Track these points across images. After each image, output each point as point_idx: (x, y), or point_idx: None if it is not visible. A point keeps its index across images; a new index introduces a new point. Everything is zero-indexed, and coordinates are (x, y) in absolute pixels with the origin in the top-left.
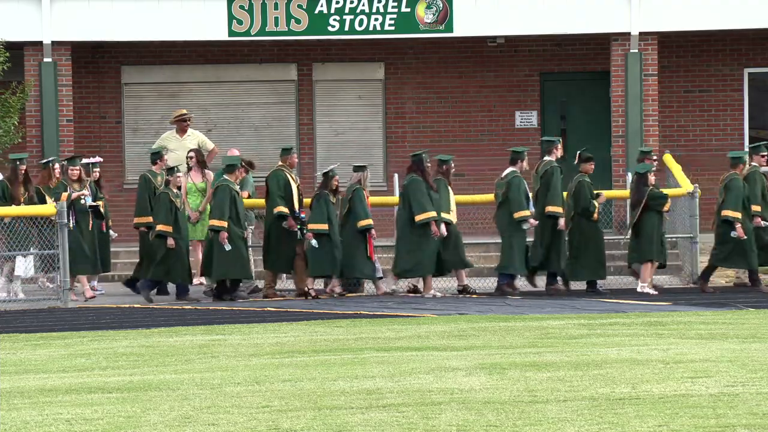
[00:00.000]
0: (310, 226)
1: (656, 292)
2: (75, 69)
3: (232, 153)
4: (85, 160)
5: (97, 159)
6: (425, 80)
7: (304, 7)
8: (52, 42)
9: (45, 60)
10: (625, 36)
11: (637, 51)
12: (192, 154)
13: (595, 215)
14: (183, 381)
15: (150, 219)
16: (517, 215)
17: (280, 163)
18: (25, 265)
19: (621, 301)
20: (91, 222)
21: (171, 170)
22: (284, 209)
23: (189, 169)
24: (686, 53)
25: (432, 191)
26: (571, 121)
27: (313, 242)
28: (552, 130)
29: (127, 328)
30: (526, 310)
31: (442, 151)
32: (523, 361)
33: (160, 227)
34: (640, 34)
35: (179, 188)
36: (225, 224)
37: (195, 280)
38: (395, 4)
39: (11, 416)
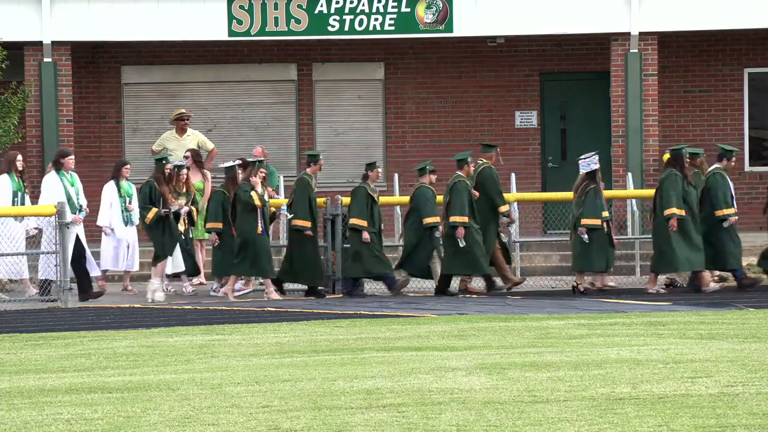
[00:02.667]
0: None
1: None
2: (75, 69)
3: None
4: (177, 163)
5: (185, 162)
6: (425, 80)
7: (304, 7)
8: (52, 42)
9: (45, 60)
10: (625, 36)
11: (637, 51)
12: (188, 153)
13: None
14: (183, 381)
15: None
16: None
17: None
18: (173, 263)
19: (621, 301)
20: (185, 225)
21: (180, 167)
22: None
23: (187, 169)
24: (686, 53)
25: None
26: (571, 121)
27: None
28: (552, 130)
29: (127, 328)
30: (526, 310)
31: (442, 152)
32: (523, 361)
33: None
34: (640, 34)
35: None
36: (365, 223)
37: (195, 280)
38: (395, 4)
39: (11, 416)
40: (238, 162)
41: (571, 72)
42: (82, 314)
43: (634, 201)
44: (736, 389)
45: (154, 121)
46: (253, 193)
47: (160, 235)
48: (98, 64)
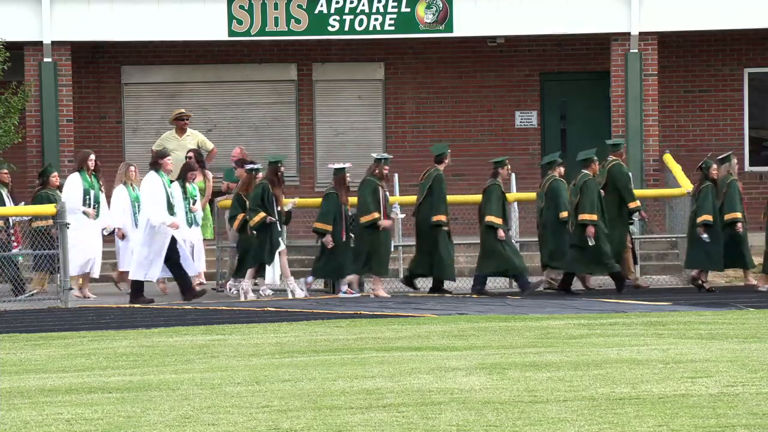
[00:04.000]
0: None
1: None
2: (75, 69)
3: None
4: (248, 166)
5: (258, 165)
6: (425, 80)
7: (304, 7)
8: (52, 42)
9: (45, 60)
10: (625, 36)
11: (637, 51)
12: (190, 154)
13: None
14: (183, 381)
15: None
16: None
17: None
18: (273, 274)
19: (621, 301)
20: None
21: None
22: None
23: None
24: (686, 53)
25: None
26: (571, 121)
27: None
28: (552, 130)
29: (127, 328)
30: (526, 310)
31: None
32: (523, 361)
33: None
34: (640, 34)
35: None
36: (500, 221)
37: (196, 280)
38: (395, 4)
39: (11, 416)
40: (348, 165)
41: (571, 72)
42: (82, 314)
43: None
44: (736, 389)
45: (154, 121)
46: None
47: (265, 240)
48: (98, 64)
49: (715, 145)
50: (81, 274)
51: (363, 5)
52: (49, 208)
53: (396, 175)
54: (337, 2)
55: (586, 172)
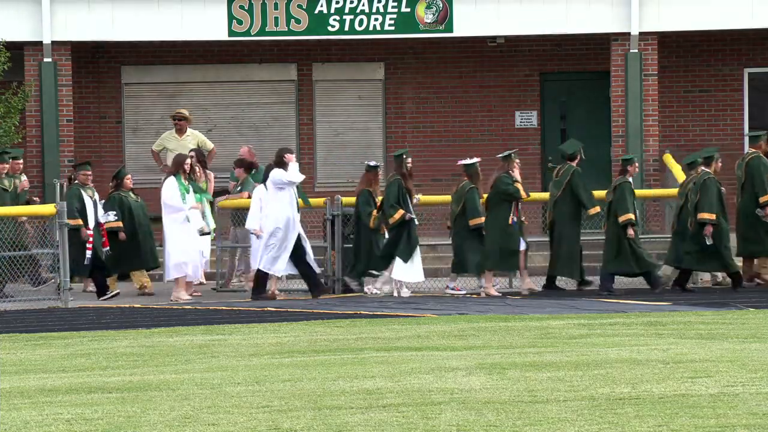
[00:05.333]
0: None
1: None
2: (75, 69)
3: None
4: (370, 163)
5: (376, 162)
6: (425, 80)
7: (304, 7)
8: (52, 42)
9: (45, 60)
10: (625, 36)
11: (637, 51)
12: (192, 154)
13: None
14: (183, 381)
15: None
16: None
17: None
18: (412, 272)
19: (621, 301)
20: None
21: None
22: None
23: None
24: (686, 53)
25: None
26: (571, 121)
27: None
28: (552, 130)
29: (127, 328)
30: (526, 310)
31: (442, 151)
32: (523, 361)
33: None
34: (640, 34)
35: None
36: (633, 216)
37: (195, 280)
38: (395, 4)
39: (11, 416)
40: (477, 160)
41: (571, 72)
42: (82, 314)
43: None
44: (736, 389)
45: (154, 121)
46: (517, 185)
47: (403, 237)
48: (98, 64)
49: (715, 145)
50: (178, 276)
51: (363, 5)
52: (48, 208)
53: None
54: (337, 2)
55: (706, 170)
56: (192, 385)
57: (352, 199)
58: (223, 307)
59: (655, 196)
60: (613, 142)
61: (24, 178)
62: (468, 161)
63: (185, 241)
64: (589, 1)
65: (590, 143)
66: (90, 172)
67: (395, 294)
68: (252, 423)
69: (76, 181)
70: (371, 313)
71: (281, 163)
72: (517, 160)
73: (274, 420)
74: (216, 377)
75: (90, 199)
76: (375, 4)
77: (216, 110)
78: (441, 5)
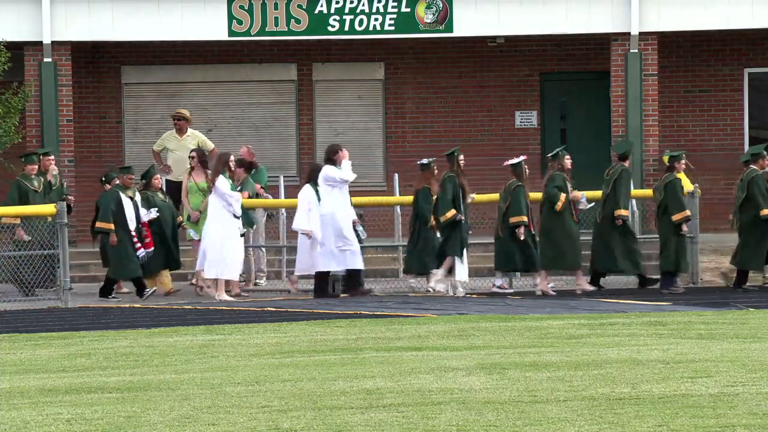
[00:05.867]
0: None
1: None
2: (75, 69)
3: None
4: (423, 161)
5: (430, 159)
6: (425, 80)
7: (304, 7)
8: (52, 42)
9: (45, 60)
10: (625, 36)
11: (637, 51)
12: (193, 154)
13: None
14: (183, 381)
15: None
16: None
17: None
18: (463, 269)
19: (621, 301)
20: None
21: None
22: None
23: (191, 169)
24: (686, 53)
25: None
26: (571, 121)
27: None
28: (552, 130)
29: (127, 328)
30: (526, 310)
31: (443, 151)
32: (523, 361)
33: None
34: (640, 34)
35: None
36: (689, 213)
37: (193, 279)
38: (395, 4)
39: (11, 416)
40: (523, 158)
41: (571, 72)
42: (82, 314)
43: (634, 201)
44: (736, 389)
45: (154, 121)
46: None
47: (456, 235)
48: (98, 64)
49: (715, 145)
50: (221, 277)
51: (363, 5)
52: (48, 208)
53: (396, 175)
54: (337, 2)
55: (754, 167)
56: (192, 385)
57: (355, 199)
58: (223, 307)
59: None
60: (613, 142)
61: (53, 168)
62: (514, 161)
63: (228, 241)
64: (589, 2)
65: (590, 143)
66: (133, 176)
67: (450, 293)
68: (252, 423)
69: (117, 183)
70: (371, 313)
71: (332, 160)
72: (568, 156)
73: (274, 420)
74: (216, 377)
75: (130, 201)
76: (375, 4)
77: (216, 110)
78: (441, 5)
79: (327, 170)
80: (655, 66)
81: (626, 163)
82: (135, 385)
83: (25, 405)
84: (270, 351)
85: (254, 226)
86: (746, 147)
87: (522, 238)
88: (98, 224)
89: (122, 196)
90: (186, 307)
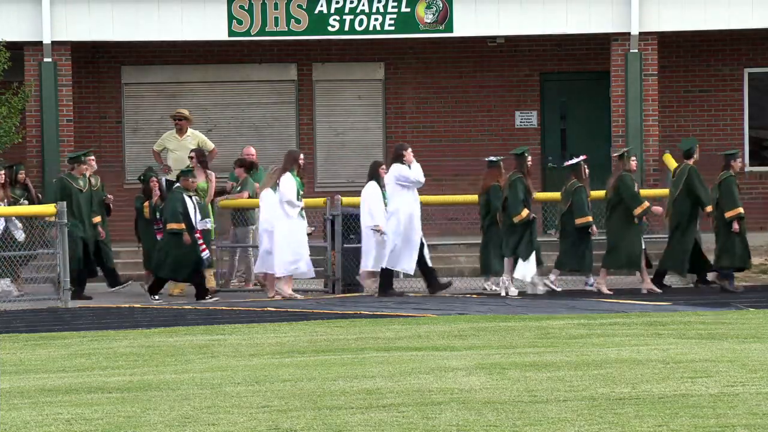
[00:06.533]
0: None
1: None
2: (75, 69)
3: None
4: (491, 159)
5: (497, 158)
6: (425, 80)
7: (304, 7)
8: (52, 42)
9: (45, 60)
10: (625, 36)
11: (637, 51)
12: (193, 154)
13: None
14: (183, 381)
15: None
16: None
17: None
18: (524, 269)
19: (621, 301)
20: None
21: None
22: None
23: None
24: (686, 53)
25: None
26: (571, 121)
27: None
28: (552, 130)
29: (127, 328)
30: (526, 310)
31: (442, 152)
32: (523, 361)
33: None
34: (640, 34)
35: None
36: (741, 210)
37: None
38: (395, 4)
39: (11, 416)
40: (583, 158)
41: (571, 72)
42: (82, 314)
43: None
44: (736, 389)
45: (154, 121)
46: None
47: (527, 236)
48: (98, 64)
49: (715, 145)
50: (289, 274)
51: (363, 5)
52: (48, 208)
53: None
54: (337, 2)
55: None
56: (192, 385)
57: (352, 200)
58: (223, 307)
59: (655, 196)
60: (613, 142)
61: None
62: (573, 161)
63: (297, 238)
64: (589, 2)
65: (590, 143)
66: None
67: (503, 293)
68: (252, 423)
69: (178, 185)
70: (371, 313)
71: (399, 159)
72: (633, 157)
73: (274, 420)
74: (216, 377)
75: (192, 203)
76: (375, 4)
77: (216, 110)
78: (441, 5)
79: (400, 169)
80: (655, 66)
81: (691, 161)
82: (135, 385)
83: (24, 405)
84: (270, 351)
85: (255, 226)
86: (746, 147)
87: (594, 236)
88: (170, 225)
89: (186, 198)
90: (186, 307)
